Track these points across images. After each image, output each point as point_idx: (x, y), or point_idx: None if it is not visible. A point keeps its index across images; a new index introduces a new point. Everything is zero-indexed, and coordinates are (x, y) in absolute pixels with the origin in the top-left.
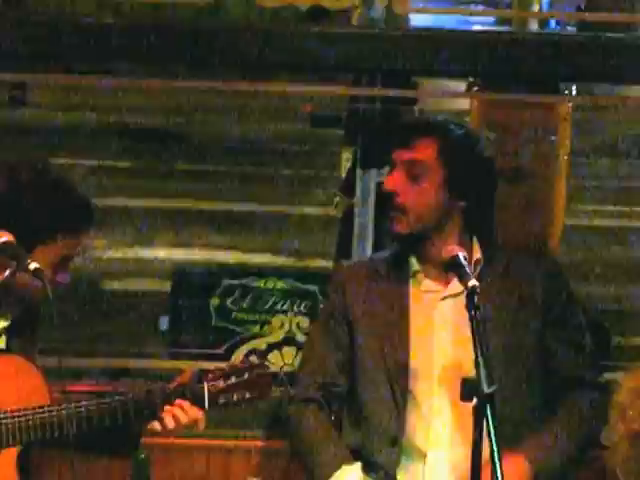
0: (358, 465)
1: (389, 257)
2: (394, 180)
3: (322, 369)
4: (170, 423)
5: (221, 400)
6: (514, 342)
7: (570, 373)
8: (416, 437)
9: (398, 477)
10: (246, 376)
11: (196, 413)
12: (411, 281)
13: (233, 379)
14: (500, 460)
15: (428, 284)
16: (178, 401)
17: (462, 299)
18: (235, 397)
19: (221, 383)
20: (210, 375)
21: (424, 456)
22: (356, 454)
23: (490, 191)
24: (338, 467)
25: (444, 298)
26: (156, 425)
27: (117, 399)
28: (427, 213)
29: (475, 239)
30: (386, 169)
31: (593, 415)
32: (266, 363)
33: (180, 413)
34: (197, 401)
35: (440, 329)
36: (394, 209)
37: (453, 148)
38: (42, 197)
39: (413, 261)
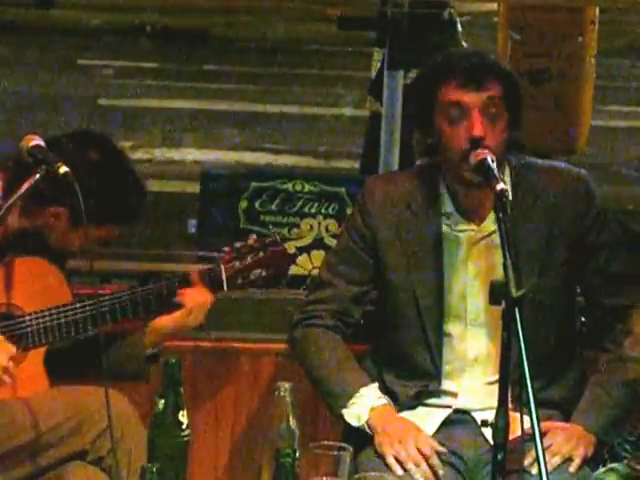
0: (375, 386)
1: (421, 189)
2: (480, 124)
3: (337, 298)
4: (189, 301)
5: (239, 281)
6: (546, 269)
7: (617, 302)
8: (447, 381)
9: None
10: (261, 254)
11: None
12: (444, 220)
13: (249, 259)
14: (529, 362)
15: (462, 224)
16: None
17: (495, 238)
18: (252, 276)
19: (237, 264)
20: (226, 257)
21: (454, 396)
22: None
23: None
24: (355, 392)
25: (476, 242)
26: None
27: (135, 291)
28: (500, 153)
29: (507, 167)
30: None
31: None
32: (278, 239)
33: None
34: (216, 285)
35: (472, 271)
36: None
37: (514, 88)
38: (110, 184)
39: (446, 200)
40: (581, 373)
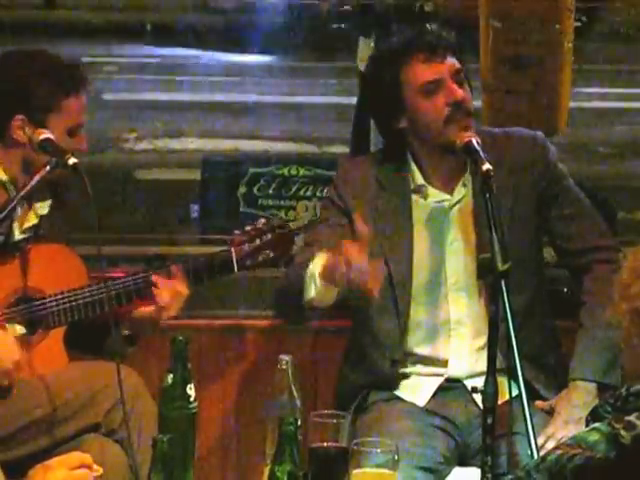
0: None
1: (390, 165)
2: (458, 88)
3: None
4: (161, 299)
5: (248, 262)
6: (514, 226)
7: (582, 245)
8: (435, 347)
9: (400, 389)
10: (269, 236)
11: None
12: (414, 193)
13: (257, 241)
14: (516, 334)
15: (436, 194)
16: None
17: (466, 203)
18: (261, 258)
19: (247, 247)
20: (236, 240)
21: (445, 364)
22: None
23: None
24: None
25: (450, 209)
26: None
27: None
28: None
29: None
30: None
31: None
32: (285, 220)
33: None
34: (227, 267)
35: (450, 238)
36: (467, 117)
37: (463, 60)
38: (36, 71)
39: (417, 175)
40: (550, 324)
